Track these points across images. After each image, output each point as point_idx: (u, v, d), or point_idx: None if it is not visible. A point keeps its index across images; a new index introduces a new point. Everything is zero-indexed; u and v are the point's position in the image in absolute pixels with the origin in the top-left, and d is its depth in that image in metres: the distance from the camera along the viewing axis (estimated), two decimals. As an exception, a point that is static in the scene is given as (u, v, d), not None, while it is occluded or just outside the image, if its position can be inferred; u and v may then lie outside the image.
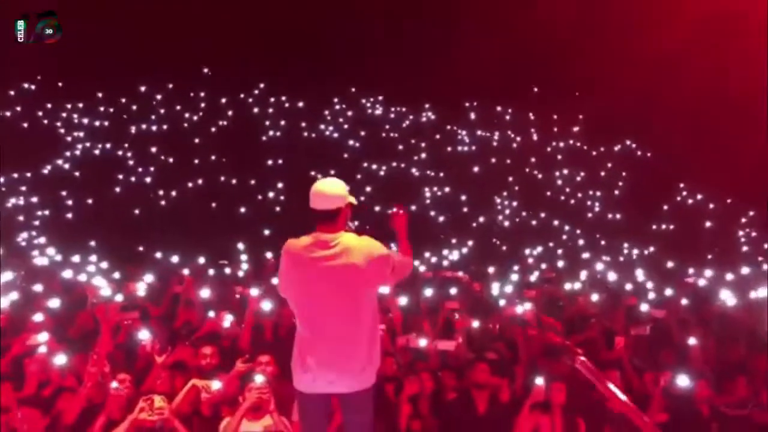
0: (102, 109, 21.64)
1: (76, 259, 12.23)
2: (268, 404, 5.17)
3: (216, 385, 5.56)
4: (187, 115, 22.08)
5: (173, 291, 8.26)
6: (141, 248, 14.90)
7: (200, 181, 19.27)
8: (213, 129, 21.61)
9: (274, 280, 8.74)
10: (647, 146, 21.35)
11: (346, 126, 22.60)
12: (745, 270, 10.25)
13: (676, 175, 20.00)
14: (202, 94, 22.98)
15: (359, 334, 3.82)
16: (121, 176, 19.06)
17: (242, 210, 18.06)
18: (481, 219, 18.63)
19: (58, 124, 21.02)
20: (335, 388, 3.83)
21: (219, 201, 18.49)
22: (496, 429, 5.22)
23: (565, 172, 20.84)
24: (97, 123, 21.19)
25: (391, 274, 3.96)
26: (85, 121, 21.23)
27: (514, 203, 19.46)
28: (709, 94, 19.84)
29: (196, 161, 20.05)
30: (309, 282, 3.80)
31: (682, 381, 4.97)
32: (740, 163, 18.32)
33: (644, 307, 7.42)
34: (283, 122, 22.27)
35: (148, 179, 19.21)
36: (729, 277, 9.52)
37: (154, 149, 20.22)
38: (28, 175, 18.11)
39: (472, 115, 23.35)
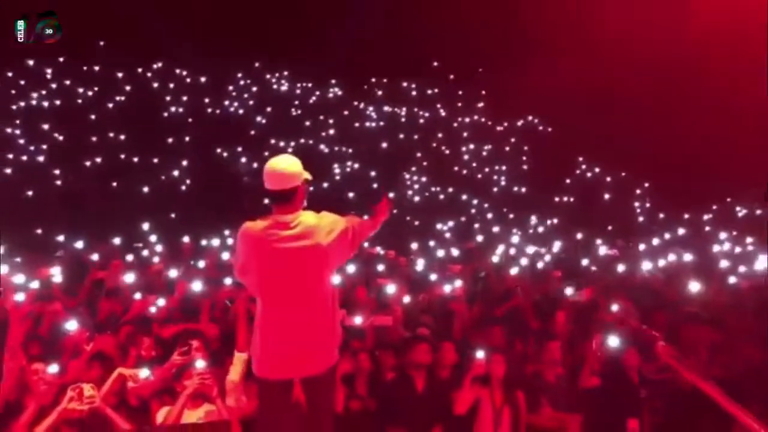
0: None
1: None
2: (211, 390, 5.01)
3: (144, 373, 5.33)
4: (81, 90, 20.90)
5: (94, 277, 7.81)
6: (39, 231, 14.09)
7: (98, 160, 18.34)
8: (110, 105, 20.58)
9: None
10: (548, 122, 21.99)
11: (251, 102, 22.08)
12: (654, 240, 10.79)
13: (575, 149, 20.72)
14: (97, 69, 21.80)
15: (323, 314, 3.76)
16: (11, 156, 17.85)
17: (145, 189, 17.36)
18: (391, 195, 18.73)
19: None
20: (299, 372, 3.74)
21: (120, 180, 17.70)
22: (436, 406, 5.26)
23: (471, 147, 21.23)
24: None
25: (353, 242, 3.91)
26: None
27: (423, 178, 19.67)
28: (605, 72, 20.72)
29: (94, 139, 19.05)
30: (270, 266, 3.70)
31: (613, 342, 5.18)
32: (634, 136, 19.28)
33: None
34: (185, 98, 21.49)
35: (41, 158, 18.09)
36: (641, 247, 10.00)
37: (46, 126, 19.04)
38: None
39: (379, 92, 23.33)
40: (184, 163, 18.67)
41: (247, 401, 4.92)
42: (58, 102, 20.03)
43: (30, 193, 16.56)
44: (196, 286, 7.11)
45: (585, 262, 8.60)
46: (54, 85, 20.72)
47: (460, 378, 5.30)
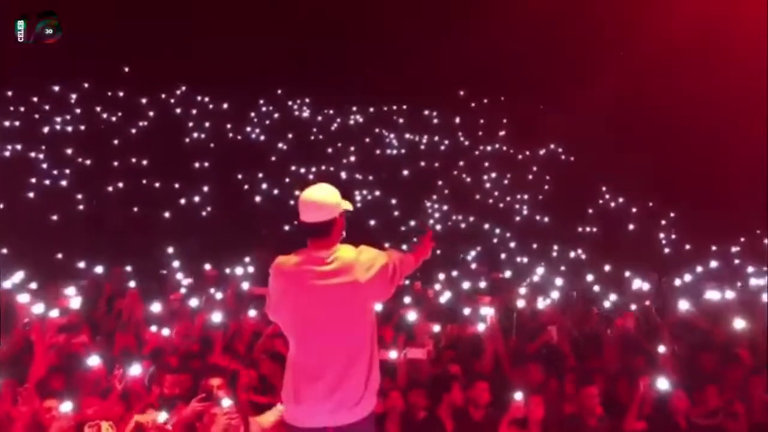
0: (12, 108, 20.33)
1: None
2: (237, 430, 4.78)
3: (162, 417, 5.11)
4: (105, 115, 21.05)
5: (117, 307, 7.64)
6: (60, 256, 14.05)
7: (120, 185, 18.38)
8: (133, 130, 20.69)
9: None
10: (570, 151, 21.81)
11: (273, 128, 22.11)
12: (687, 275, 10.50)
13: (597, 179, 20.51)
14: (121, 94, 21.98)
15: (361, 357, 3.47)
16: (34, 180, 17.93)
17: (166, 215, 17.33)
18: (412, 223, 18.58)
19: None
20: (335, 420, 3.45)
21: (141, 205, 17.70)
22: None
23: (493, 175, 21.07)
24: (7, 123, 19.89)
25: (393, 279, 3.61)
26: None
27: (444, 207, 19.50)
28: (628, 101, 20.61)
29: (116, 163, 19.12)
30: (305, 304, 3.44)
31: (662, 385, 4.90)
32: (661, 165, 19.06)
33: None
34: (207, 124, 21.57)
35: (64, 182, 18.15)
36: (676, 281, 9.73)
37: (69, 151, 19.15)
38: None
39: (400, 119, 23.30)
40: (205, 188, 18.65)
41: None
42: (82, 127, 20.15)
43: (53, 217, 16.61)
44: (215, 317, 6.88)
45: (615, 296, 8.30)
46: (78, 110, 20.86)
47: (494, 419, 5.02)
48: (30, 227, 15.53)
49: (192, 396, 5.29)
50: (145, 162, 19.34)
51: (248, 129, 21.81)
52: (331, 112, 23.48)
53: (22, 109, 20.26)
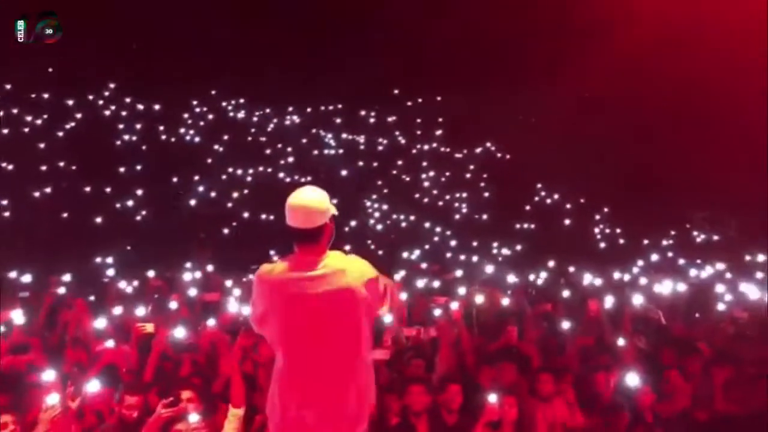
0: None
1: None
2: None
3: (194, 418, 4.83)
4: (29, 118, 20.13)
5: (64, 319, 7.25)
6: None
7: (48, 190, 17.63)
8: (60, 133, 19.88)
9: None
10: (506, 149, 22.17)
11: (207, 129, 21.64)
12: (633, 269, 10.77)
13: (533, 176, 20.91)
14: (46, 96, 21.07)
15: (355, 370, 3.29)
16: (-47, 187, 17.00)
17: (98, 220, 16.73)
18: (353, 223, 18.54)
19: None
20: None
21: (71, 211, 17.02)
22: None
23: (431, 174, 21.22)
24: None
25: (383, 296, 3.43)
26: None
27: (384, 206, 19.53)
28: (562, 100, 21.09)
29: (43, 168, 18.32)
30: (293, 314, 3.24)
31: (632, 380, 4.96)
32: (592, 162, 19.56)
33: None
34: (138, 126, 20.92)
35: (-13, 188, 17.26)
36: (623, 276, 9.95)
37: (-8, 154, 18.23)
38: None
39: (337, 119, 23.19)
40: (139, 192, 18.10)
41: None
42: (5, 131, 19.23)
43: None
44: (178, 332, 6.58)
45: (567, 293, 8.40)
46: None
47: (467, 422, 4.97)
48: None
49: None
50: (74, 166, 18.61)
51: (182, 130, 21.26)
52: (267, 111, 23.15)
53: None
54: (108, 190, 18.10)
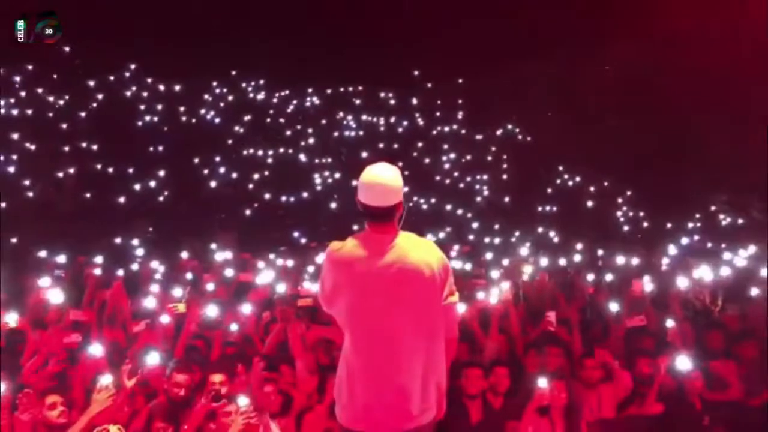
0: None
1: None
2: (257, 430, 4.41)
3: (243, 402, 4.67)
4: (51, 98, 20.18)
5: (100, 297, 7.25)
6: (13, 240, 13.45)
7: (72, 170, 17.68)
8: (82, 114, 19.91)
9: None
10: (528, 131, 22.01)
11: (228, 111, 21.62)
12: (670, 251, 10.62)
13: (555, 158, 20.75)
14: (67, 77, 21.10)
15: (427, 354, 3.12)
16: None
17: (121, 200, 16.78)
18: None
19: None
20: (394, 424, 3.12)
21: (94, 191, 17.07)
22: None
23: (452, 156, 21.11)
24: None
25: (452, 288, 3.24)
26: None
27: (405, 188, 19.45)
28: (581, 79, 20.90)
29: (66, 148, 18.38)
30: (364, 294, 3.08)
31: (683, 364, 4.87)
32: (616, 144, 19.38)
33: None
34: (159, 107, 20.92)
35: (11, 168, 17.33)
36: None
37: (15, 136, 18.28)
38: None
39: (357, 101, 23.10)
40: (161, 173, 18.13)
41: None
42: (28, 111, 19.28)
43: (1, 204, 15.83)
44: (211, 311, 6.55)
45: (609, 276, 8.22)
46: (23, 94, 19.95)
47: (513, 405, 4.91)
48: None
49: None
50: (95, 147, 18.65)
51: (202, 111, 21.25)
52: (287, 92, 23.09)
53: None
54: (130, 171, 18.14)
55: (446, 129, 22.42)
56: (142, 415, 4.92)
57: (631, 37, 20.50)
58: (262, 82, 23.08)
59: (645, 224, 16.84)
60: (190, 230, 14.31)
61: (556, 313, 6.11)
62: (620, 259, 9.04)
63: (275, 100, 22.66)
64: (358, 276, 3.17)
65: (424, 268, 3.14)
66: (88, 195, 16.90)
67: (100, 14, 20.62)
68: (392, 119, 22.42)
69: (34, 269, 10.08)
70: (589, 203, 18.47)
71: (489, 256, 10.88)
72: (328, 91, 23.10)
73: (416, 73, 24.18)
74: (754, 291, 7.11)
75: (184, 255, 10.72)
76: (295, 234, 15.07)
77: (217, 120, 21.16)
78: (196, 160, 18.97)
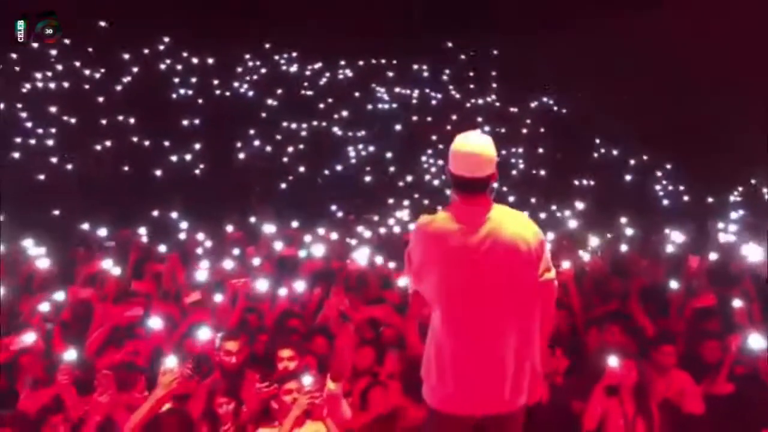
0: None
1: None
2: (321, 410, 4.34)
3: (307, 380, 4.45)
4: (87, 72, 20.28)
5: (152, 270, 7.30)
6: (56, 213, 13.67)
7: (108, 143, 17.81)
8: (118, 87, 20.00)
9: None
10: (563, 103, 21.69)
11: (261, 84, 21.56)
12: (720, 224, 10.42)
13: (591, 131, 20.44)
14: (102, 50, 21.16)
15: (521, 336, 3.02)
16: (18, 139, 17.25)
17: (158, 173, 16.89)
18: (409, 178, 18.42)
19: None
20: (485, 409, 3.03)
21: (131, 164, 17.20)
22: (558, 419, 4.53)
23: (486, 129, 20.85)
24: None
25: (549, 266, 3.14)
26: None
27: (440, 162, 19.31)
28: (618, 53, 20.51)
29: (103, 121, 18.50)
30: (456, 269, 2.96)
31: (756, 342, 4.78)
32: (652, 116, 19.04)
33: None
34: (193, 80, 20.93)
35: (50, 142, 17.51)
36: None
37: (53, 109, 18.44)
38: None
39: (390, 73, 22.89)
40: (197, 146, 18.20)
41: None
42: (65, 84, 19.42)
43: (40, 177, 16.00)
44: (261, 285, 6.54)
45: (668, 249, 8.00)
46: (60, 67, 20.07)
47: (577, 385, 4.80)
48: (18, 187, 14.95)
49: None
50: (132, 120, 18.74)
51: (236, 84, 21.22)
52: (319, 65, 22.94)
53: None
54: (166, 144, 18.22)
55: (480, 101, 22.14)
56: (200, 393, 4.91)
57: (671, 7, 20.11)
58: (294, 54, 22.95)
59: (685, 198, 16.53)
60: (229, 203, 14.39)
61: (615, 290, 6.00)
62: (674, 235, 8.84)
63: (308, 73, 22.50)
64: (450, 251, 3.03)
65: (520, 243, 3.00)
66: (126, 168, 17.03)
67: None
68: (426, 91, 22.18)
69: (79, 242, 10.22)
70: (628, 177, 18.17)
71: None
72: (360, 63, 22.88)
73: (449, 44, 23.89)
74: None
75: (229, 228, 10.72)
76: (333, 207, 15.05)
77: (250, 93, 21.10)
78: (231, 134, 18.98)
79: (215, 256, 8.35)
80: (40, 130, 17.65)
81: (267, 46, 22.78)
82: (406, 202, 15.88)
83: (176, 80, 20.83)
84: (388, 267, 7.84)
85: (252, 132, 19.14)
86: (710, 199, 16.19)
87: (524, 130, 20.50)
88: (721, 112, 18.52)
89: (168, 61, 21.59)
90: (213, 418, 4.67)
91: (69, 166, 16.67)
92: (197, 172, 17.56)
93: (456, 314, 3.05)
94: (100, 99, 19.27)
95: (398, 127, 20.46)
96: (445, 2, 23.34)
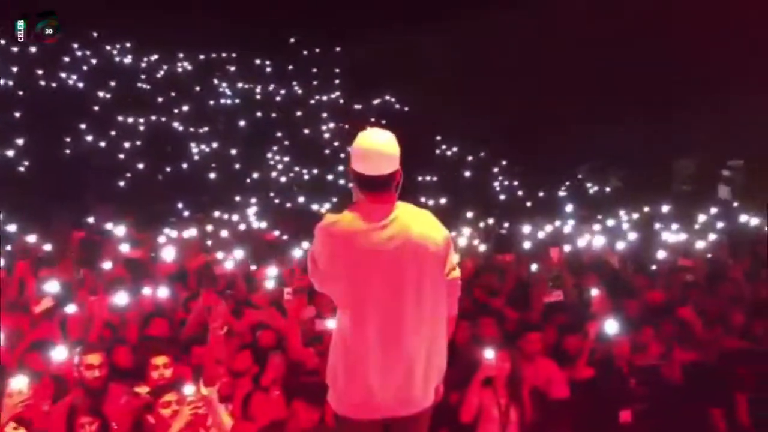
0: None
1: None
2: (205, 421, 4.04)
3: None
4: None
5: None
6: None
7: None
8: None
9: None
10: (405, 101, 22.24)
11: (91, 75, 20.21)
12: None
13: (432, 128, 21.10)
14: None
15: (430, 335, 2.95)
16: None
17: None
18: (255, 175, 18.10)
19: None
20: (394, 411, 2.94)
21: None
22: (439, 410, 4.70)
23: (331, 125, 20.99)
24: None
25: (454, 266, 3.02)
26: None
27: (286, 158, 19.15)
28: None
29: None
30: (364, 270, 2.86)
31: (611, 327, 5.13)
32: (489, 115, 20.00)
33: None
34: (15, 69, 19.20)
35: None
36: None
37: None
38: None
39: (231, 67, 22.35)
40: (20, 141, 16.74)
41: None
42: None
43: None
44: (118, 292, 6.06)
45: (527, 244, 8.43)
46: None
47: (451, 378, 4.86)
48: None
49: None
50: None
51: (63, 75, 19.73)
52: (155, 57, 21.91)
53: None
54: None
55: (324, 98, 22.21)
56: (58, 414, 4.44)
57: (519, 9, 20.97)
58: (128, 45, 21.74)
59: (520, 193, 17.56)
60: (63, 203, 13.38)
61: (482, 284, 6.21)
62: (527, 228, 9.32)
63: (144, 65, 21.40)
64: (358, 251, 2.85)
65: (429, 242, 2.90)
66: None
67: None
68: (270, 87, 21.90)
69: None
70: (467, 173, 19.00)
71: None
72: (201, 56, 22.14)
73: (292, 40, 23.74)
74: (661, 255, 7.51)
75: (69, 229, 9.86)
76: (179, 205, 14.46)
77: (80, 85, 19.72)
78: (58, 128, 17.64)
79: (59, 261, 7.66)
80: None
81: (95, 34, 21.34)
82: (253, 200, 15.60)
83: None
84: (252, 268, 7.64)
85: (83, 126, 17.92)
86: (541, 194, 17.31)
87: (367, 127, 20.74)
88: (551, 111, 19.73)
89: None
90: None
91: None
92: (22, 169, 16.16)
93: (366, 315, 2.91)
94: None
95: (242, 123, 20.04)
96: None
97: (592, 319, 5.28)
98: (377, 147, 2.86)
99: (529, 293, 6.13)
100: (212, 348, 4.31)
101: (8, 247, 9.47)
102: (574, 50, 19.52)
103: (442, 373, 3.02)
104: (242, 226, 11.73)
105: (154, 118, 19.13)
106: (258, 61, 22.79)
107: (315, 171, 18.60)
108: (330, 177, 18.32)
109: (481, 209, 12.92)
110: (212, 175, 17.49)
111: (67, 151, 17.05)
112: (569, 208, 12.63)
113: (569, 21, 19.29)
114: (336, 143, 20.30)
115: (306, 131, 20.64)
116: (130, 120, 18.83)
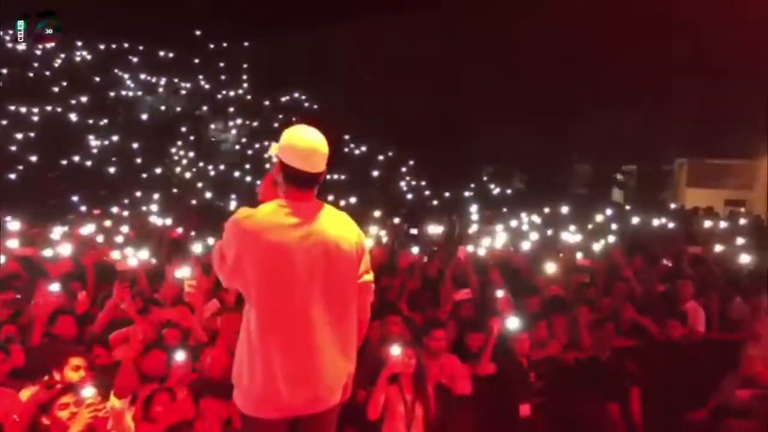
0: None
1: None
2: (104, 424, 3.91)
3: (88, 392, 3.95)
4: None
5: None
6: None
7: None
8: None
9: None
10: (315, 99, 22.14)
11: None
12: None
13: (341, 127, 21.06)
14: None
15: (342, 335, 2.98)
16: None
17: None
18: (158, 170, 17.56)
19: None
20: (301, 409, 2.94)
21: None
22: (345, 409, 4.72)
23: (239, 121, 20.64)
24: None
25: (367, 268, 3.06)
26: None
27: (191, 153, 18.68)
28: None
29: None
30: (277, 266, 2.83)
31: (513, 324, 5.26)
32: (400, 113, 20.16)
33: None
34: None
35: None
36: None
37: None
38: None
39: (134, 59, 21.57)
40: None
41: None
42: None
43: None
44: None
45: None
46: None
47: (357, 375, 4.89)
48: None
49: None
50: None
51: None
52: (51, 45, 20.81)
53: None
54: None
55: (231, 93, 21.80)
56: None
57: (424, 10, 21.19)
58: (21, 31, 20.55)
59: (427, 193, 17.81)
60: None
61: (385, 282, 6.24)
62: (432, 228, 9.45)
63: (38, 53, 20.35)
64: (271, 246, 2.79)
65: (343, 243, 2.89)
66: None
67: None
68: (175, 80, 21.28)
69: None
70: (375, 172, 19.11)
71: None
72: (101, 46, 21.27)
73: (198, 33, 23.16)
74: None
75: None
76: (74, 198, 13.85)
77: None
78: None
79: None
80: None
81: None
82: (155, 195, 15.12)
83: None
84: (156, 264, 7.42)
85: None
86: (447, 194, 17.62)
87: (275, 125, 20.57)
88: (459, 114, 20.08)
89: None
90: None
91: None
92: None
93: (274, 313, 2.87)
94: None
95: (144, 116, 19.39)
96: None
97: (495, 316, 5.43)
98: (315, 145, 2.85)
99: (438, 292, 6.26)
100: (127, 356, 4.19)
101: None
102: (483, 56, 19.96)
103: (351, 373, 3.04)
104: (144, 223, 11.32)
105: (49, 108, 18.22)
106: (162, 53, 22.07)
107: (221, 167, 18.25)
108: (236, 174, 18.02)
109: (388, 208, 13.01)
110: (111, 169, 16.85)
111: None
112: (474, 208, 12.93)
113: (480, 25, 19.71)
114: (243, 140, 19.99)
115: (212, 126, 20.23)
116: (23, 110, 17.88)
